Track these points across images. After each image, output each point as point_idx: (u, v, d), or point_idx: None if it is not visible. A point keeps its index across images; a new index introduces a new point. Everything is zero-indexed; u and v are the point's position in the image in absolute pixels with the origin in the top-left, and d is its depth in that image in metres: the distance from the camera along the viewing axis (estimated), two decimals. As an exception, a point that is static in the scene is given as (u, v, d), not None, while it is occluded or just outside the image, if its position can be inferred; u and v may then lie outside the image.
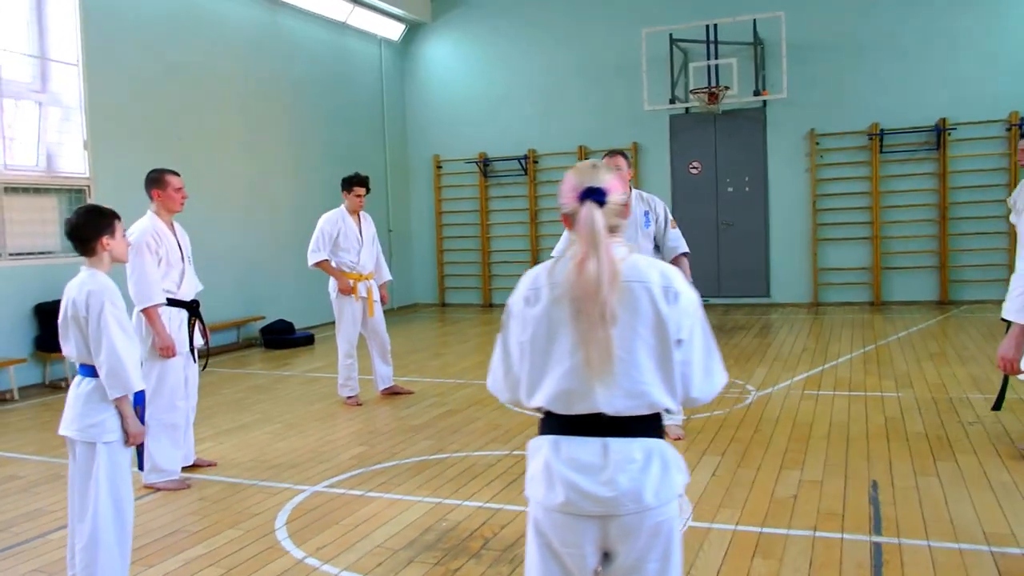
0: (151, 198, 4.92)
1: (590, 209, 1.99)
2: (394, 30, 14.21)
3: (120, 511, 3.13)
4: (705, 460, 5.10)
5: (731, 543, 3.79)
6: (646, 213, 5.62)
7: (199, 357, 5.19)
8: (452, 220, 14.59)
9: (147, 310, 4.70)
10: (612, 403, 2.01)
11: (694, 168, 13.25)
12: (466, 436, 5.84)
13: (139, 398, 3.22)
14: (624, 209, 2.14)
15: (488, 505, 4.39)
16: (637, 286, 2.02)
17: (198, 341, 5.04)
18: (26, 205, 7.99)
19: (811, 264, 12.65)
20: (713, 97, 12.00)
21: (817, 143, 12.58)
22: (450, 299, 14.69)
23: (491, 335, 11.12)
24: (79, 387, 3.15)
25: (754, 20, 11.89)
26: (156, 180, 4.89)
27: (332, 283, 6.95)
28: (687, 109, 12.83)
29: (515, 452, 5.36)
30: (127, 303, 3.41)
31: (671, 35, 12.32)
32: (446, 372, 8.41)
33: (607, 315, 1.96)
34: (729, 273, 13.12)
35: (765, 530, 3.94)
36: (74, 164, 8.53)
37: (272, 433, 6.14)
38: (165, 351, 4.73)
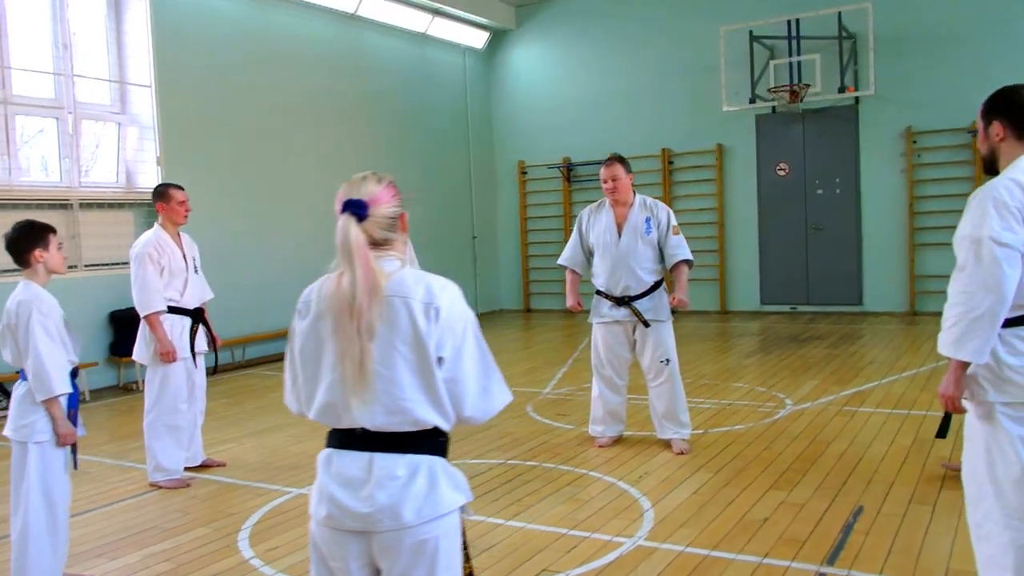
0: (157, 211, 5.30)
1: (345, 222, 1.99)
2: (478, 38, 14.48)
3: (52, 507, 3.43)
4: (695, 476, 4.96)
5: (669, 565, 3.70)
6: (647, 220, 5.52)
7: (211, 362, 5.55)
8: (536, 225, 14.69)
9: (148, 316, 5.08)
10: (372, 419, 2.04)
11: (781, 170, 12.75)
12: (471, 443, 5.91)
13: (72, 401, 3.50)
14: (399, 222, 2.14)
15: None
16: (397, 301, 2.02)
17: (200, 347, 5.37)
18: (101, 219, 8.73)
19: (907, 271, 11.89)
20: (794, 95, 11.52)
21: (914, 142, 11.81)
22: (535, 305, 14.78)
23: (562, 341, 11.21)
24: (16, 390, 3.47)
25: (839, 13, 11.32)
26: (161, 194, 5.27)
27: None
28: (773, 108, 12.37)
29: (511, 462, 5.40)
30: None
31: (751, 32, 11.93)
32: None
33: (363, 330, 1.99)
34: (818, 280, 12.53)
35: (713, 553, 3.81)
36: (149, 180, 9.23)
37: (292, 436, 6.44)
38: (165, 356, 5.08)
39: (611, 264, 5.55)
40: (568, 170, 14.16)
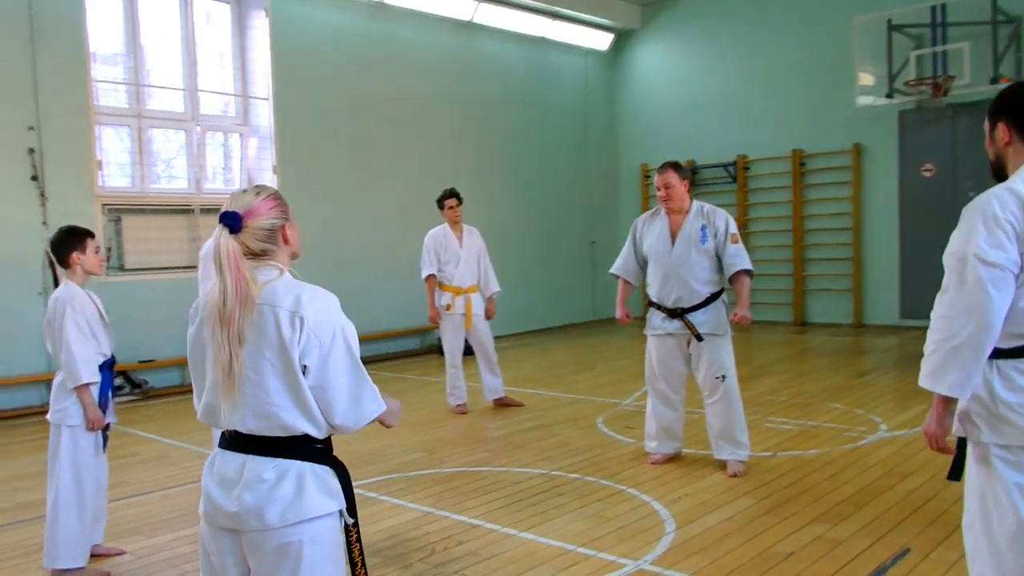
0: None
1: (219, 233, 2.14)
2: (602, 40, 14.44)
3: (80, 485, 3.81)
4: (736, 502, 4.75)
5: (661, 592, 3.59)
6: (703, 228, 5.35)
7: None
8: (659, 231, 14.42)
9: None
10: (244, 422, 2.17)
11: (927, 170, 11.80)
12: (523, 451, 5.95)
13: (104, 390, 3.89)
14: (279, 233, 2.24)
15: (470, 520, 4.53)
16: (267, 309, 2.13)
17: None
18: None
19: (1071, 284, 10.70)
20: (937, 88, 10.66)
21: (1082, 137, 10.60)
22: (657, 312, 14.53)
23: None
24: (55, 378, 3.89)
25: (991, -5, 10.38)
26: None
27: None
28: (918, 104, 11.50)
29: (553, 472, 5.40)
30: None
31: (889, 20, 11.15)
32: (574, 387, 8.49)
33: (232, 336, 2.13)
34: (966, 292, 11.50)
35: (714, 584, 3.66)
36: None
37: (362, 433, 6.72)
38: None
39: (663, 274, 5.42)
40: (693, 173, 13.82)
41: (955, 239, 2.46)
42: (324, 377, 2.13)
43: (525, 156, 13.27)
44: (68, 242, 3.88)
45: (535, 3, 12.58)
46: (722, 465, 5.37)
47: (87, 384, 3.80)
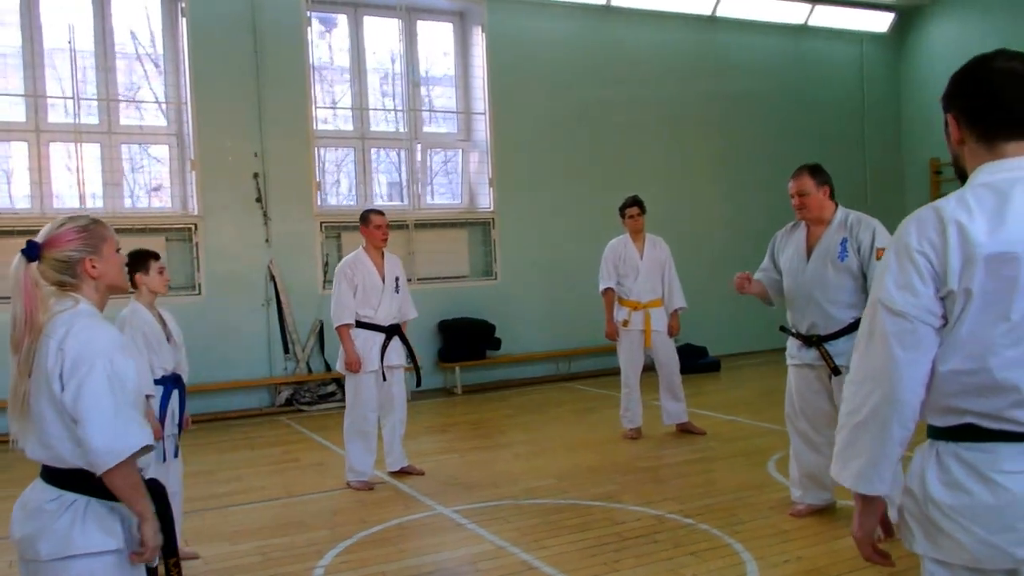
0: (361, 234, 5.92)
1: (16, 260, 2.21)
2: (880, 21, 12.82)
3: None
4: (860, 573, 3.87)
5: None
6: (843, 242, 4.46)
7: (412, 373, 6.06)
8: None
9: (338, 328, 5.72)
10: (32, 451, 2.24)
11: None
12: (659, 487, 5.43)
13: (164, 402, 4.20)
14: (80, 266, 2.24)
15: (533, 561, 4.22)
16: (44, 340, 2.18)
17: (391, 360, 5.84)
18: (435, 237, 9.89)
19: None
20: None
21: None
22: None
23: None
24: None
25: None
26: (363, 219, 5.88)
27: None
28: None
29: (669, 515, 4.84)
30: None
31: None
32: (776, 416, 7.55)
33: (21, 363, 2.19)
34: None
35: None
36: (486, 201, 10.20)
37: (516, 453, 6.61)
38: (349, 366, 5.66)
39: (796, 295, 4.64)
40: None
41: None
42: (76, 410, 2.11)
43: (783, 158, 12.09)
44: (132, 264, 4.25)
45: (789, -13, 11.53)
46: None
47: (146, 396, 4.11)
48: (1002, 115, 1.76)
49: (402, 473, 5.99)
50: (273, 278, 8.87)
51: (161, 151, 9.00)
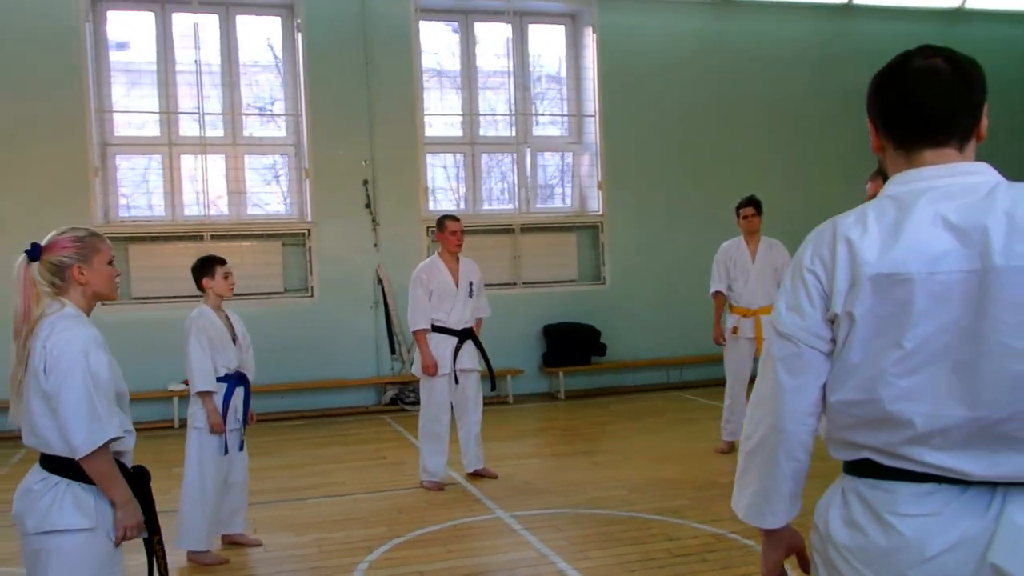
0: (436, 240, 6.09)
1: (20, 259, 2.50)
2: (1043, 0, 11.74)
3: (203, 481, 4.45)
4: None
5: None
6: None
7: (486, 378, 6.15)
8: None
9: (415, 333, 5.91)
10: (26, 436, 2.52)
11: None
12: (723, 506, 4.83)
13: (226, 398, 4.50)
14: (70, 272, 2.48)
15: (571, 572, 4.20)
16: (34, 340, 2.44)
17: (463, 364, 5.96)
18: (542, 241, 9.94)
19: None
20: None
21: None
22: None
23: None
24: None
25: None
26: (438, 224, 6.05)
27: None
28: None
29: (730, 534, 4.68)
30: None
31: None
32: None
33: (18, 352, 2.48)
34: None
35: None
36: (595, 204, 10.17)
37: (595, 462, 6.57)
38: (424, 369, 5.83)
39: None
40: None
41: None
42: (57, 403, 2.37)
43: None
44: (199, 270, 4.59)
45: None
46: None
47: (207, 392, 4.44)
48: (918, 120, 1.62)
49: (477, 476, 6.10)
50: (381, 281, 9.23)
51: (280, 160, 9.58)
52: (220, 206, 9.25)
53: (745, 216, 6.76)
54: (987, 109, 1.66)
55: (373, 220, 9.25)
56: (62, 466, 2.41)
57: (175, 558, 4.51)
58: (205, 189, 9.05)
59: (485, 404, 6.28)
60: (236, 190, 9.25)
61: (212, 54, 9.17)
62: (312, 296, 9.18)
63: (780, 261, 6.69)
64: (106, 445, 2.38)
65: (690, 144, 10.30)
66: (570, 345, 9.69)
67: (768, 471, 1.69)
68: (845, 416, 1.61)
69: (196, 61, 8.97)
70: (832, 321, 1.59)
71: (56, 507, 2.38)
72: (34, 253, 2.48)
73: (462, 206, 10.05)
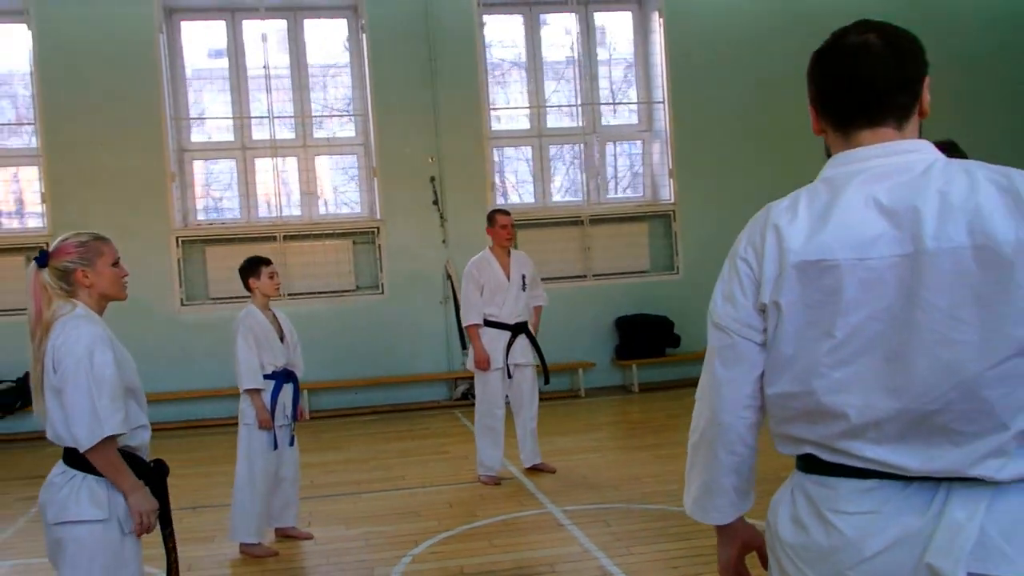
0: (487, 234, 6.11)
1: (31, 265, 2.64)
2: None
3: (252, 475, 4.59)
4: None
5: None
6: None
7: (540, 372, 6.14)
8: None
9: (467, 327, 5.95)
10: (48, 431, 2.65)
11: None
12: None
13: (274, 395, 4.63)
14: (74, 276, 2.60)
15: (611, 567, 4.18)
16: (48, 341, 2.57)
17: (516, 358, 5.95)
18: (612, 232, 9.82)
19: None
20: None
21: None
22: None
23: None
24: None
25: None
26: (489, 219, 6.06)
27: None
28: None
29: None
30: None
31: None
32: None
33: (35, 352, 2.62)
34: None
35: None
36: (666, 192, 10.00)
37: (657, 455, 6.47)
38: (478, 364, 5.86)
39: None
40: None
41: None
42: (64, 398, 2.50)
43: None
44: (245, 270, 4.73)
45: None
46: None
47: (255, 389, 4.58)
48: (851, 99, 1.54)
49: (534, 470, 6.09)
50: (450, 277, 9.32)
51: (350, 160, 9.79)
52: (293, 207, 9.52)
53: None
54: (929, 83, 1.57)
55: (441, 216, 9.35)
56: (78, 460, 2.53)
57: (228, 550, 4.70)
58: (277, 191, 9.34)
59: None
60: (308, 191, 9.50)
61: (282, 58, 9.45)
62: (383, 293, 9.35)
63: None
64: (111, 439, 2.49)
65: (763, 126, 9.96)
66: (643, 337, 9.56)
67: (709, 465, 1.64)
68: (783, 409, 1.55)
69: (265, 66, 9.25)
70: (763, 311, 1.52)
71: (73, 499, 2.51)
72: (42, 260, 2.61)
73: (531, 199, 10.05)
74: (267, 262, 4.80)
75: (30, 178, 9.10)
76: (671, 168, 9.93)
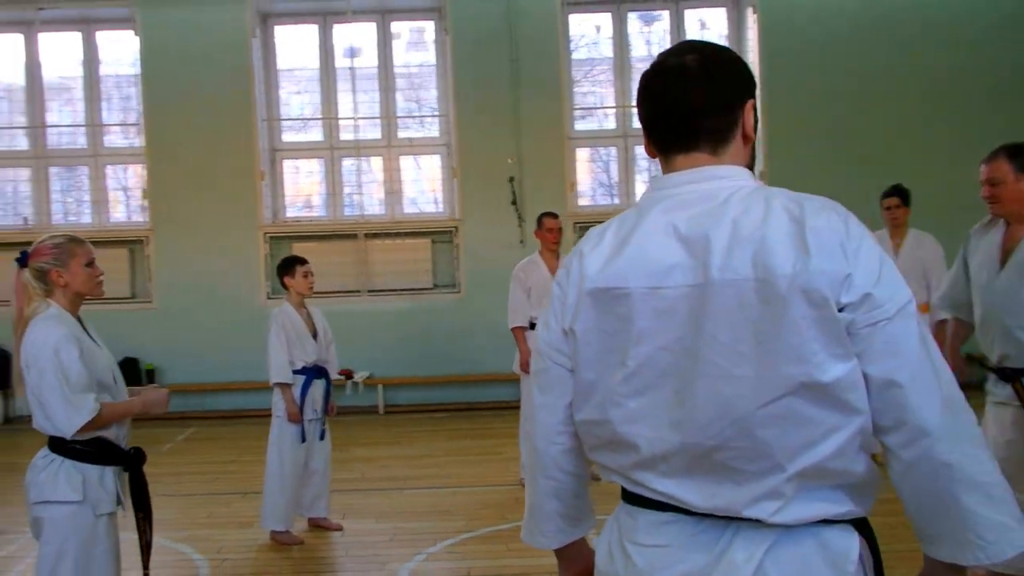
0: (535, 237, 6.15)
1: (15, 267, 2.88)
2: None
3: (282, 466, 4.81)
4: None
5: None
6: None
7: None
8: None
9: (512, 330, 6.01)
10: (34, 422, 2.88)
11: None
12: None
13: (303, 390, 4.84)
14: (48, 276, 2.83)
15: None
16: (24, 338, 2.82)
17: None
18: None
19: None
20: None
21: None
22: None
23: None
24: (273, 380, 5.00)
25: None
26: (537, 222, 6.10)
27: None
28: None
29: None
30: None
31: None
32: None
33: (15, 349, 2.87)
34: None
35: None
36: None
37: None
38: (522, 367, 5.90)
39: (983, 313, 3.75)
40: None
41: None
42: (40, 397, 2.74)
43: None
44: (281, 269, 4.98)
45: None
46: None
47: (284, 384, 4.80)
48: (663, 123, 1.52)
49: (579, 475, 6.08)
50: (520, 278, 9.38)
51: (433, 160, 10.02)
52: (376, 205, 9.83)
53: (888, 207, 6.19)
54: (752, 106, 1.52)
55: (519, 217, 9.43)
56: (57, 446, 2.78)
57: (261, 536, 4.94)
58: (360, 190, 9.67)
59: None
60: (391, 190, 9.79)
61: (369, 59, 9.77)
62: (459, 292, 9.53)
63: (929, 258, 6.06)
64: (93, 420, 2.72)
65: (855, 125, 9.52)
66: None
67: (532, 490, 1.69)
68: (589, 437, 1.57)
69: (351, 68, 9.59)
70: (567, 336, 1.53)
71: (51, 481, 2.75)
72: (23, 260, 2.84)
73: (615, 200, 9.99)
74: (303, 261, 5.02)
75: (134, 175, 9.80)
76: (763, 170, 9.61)
